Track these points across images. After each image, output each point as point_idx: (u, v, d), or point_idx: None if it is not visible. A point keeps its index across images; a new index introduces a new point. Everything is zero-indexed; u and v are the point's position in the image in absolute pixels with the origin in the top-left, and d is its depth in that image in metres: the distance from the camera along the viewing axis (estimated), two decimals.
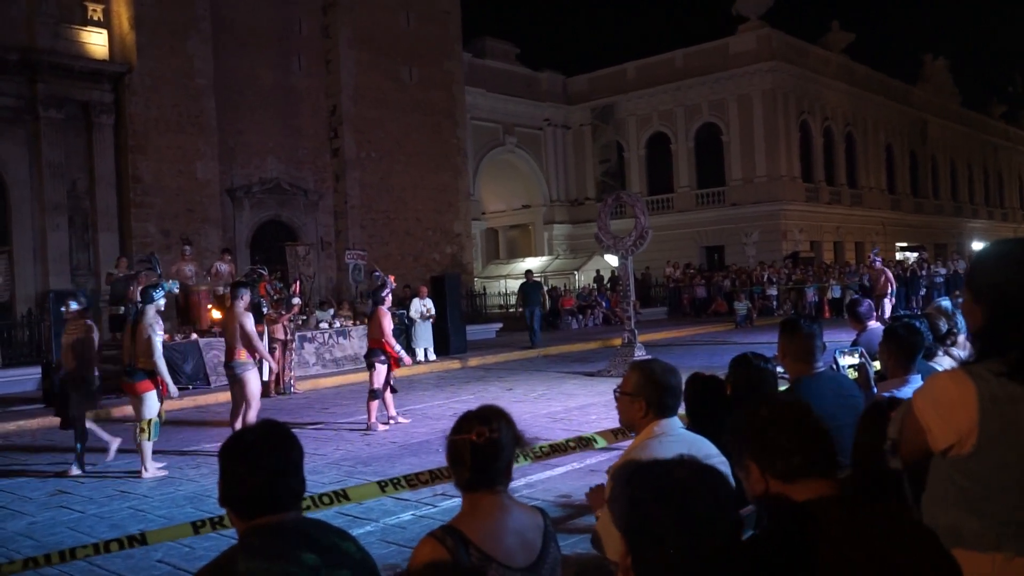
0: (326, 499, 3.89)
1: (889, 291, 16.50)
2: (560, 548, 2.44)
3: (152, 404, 8.37)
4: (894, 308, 18.56)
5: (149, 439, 8.30)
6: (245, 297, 9.43)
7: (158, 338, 8.38)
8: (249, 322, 9.22)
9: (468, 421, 2.33)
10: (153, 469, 8.30)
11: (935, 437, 2.05)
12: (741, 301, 26.80)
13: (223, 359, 10.08)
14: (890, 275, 17.04)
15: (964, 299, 2.16)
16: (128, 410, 12.95)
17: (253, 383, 9.12)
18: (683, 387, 3.19)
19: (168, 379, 8.41)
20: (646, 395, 3.11)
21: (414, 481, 3.97)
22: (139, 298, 9.15)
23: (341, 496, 3.91)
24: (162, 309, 8.83)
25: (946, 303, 4.85)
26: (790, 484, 1.84)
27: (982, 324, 2.09)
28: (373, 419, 10.41)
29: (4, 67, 20.64)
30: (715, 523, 1.60)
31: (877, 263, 17.48)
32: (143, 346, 8.33)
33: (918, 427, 2.09)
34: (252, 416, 8.98)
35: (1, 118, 20.95)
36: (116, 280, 16.94)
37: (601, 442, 4.98)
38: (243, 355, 9.12)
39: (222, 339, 15.10)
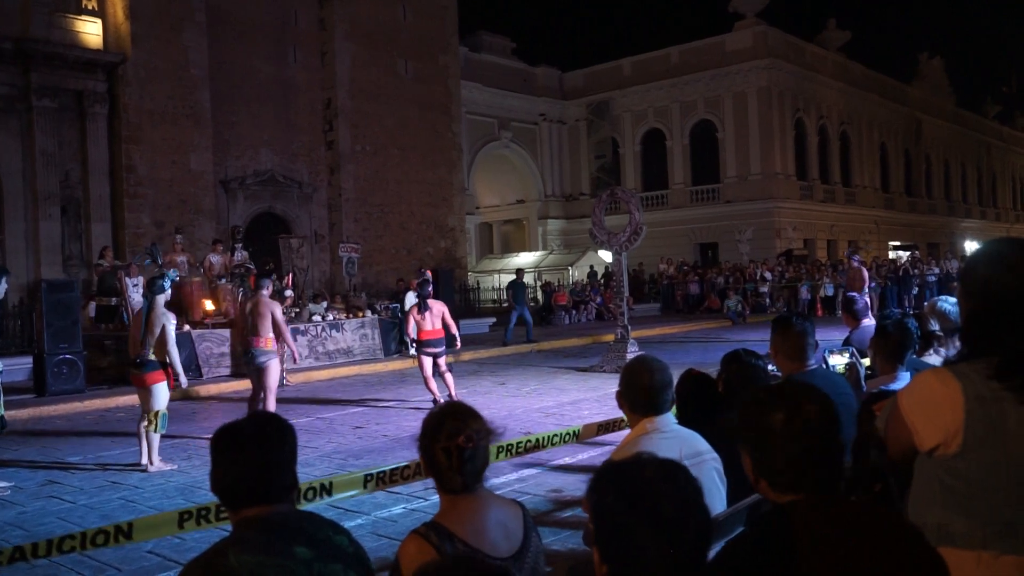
0: (310, 493, 3.87)
1: (864, 290, 16.65)
2: (542, 540, 2.45)
3: (162, 396, 8.21)
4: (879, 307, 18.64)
5: (156, 431, 8.11)
6: (269, 287, 9.94)
7: (172, 327, 8.27)
8: (279, 311, 9.60)
9: (445, 424, 2.30)
10: (159, 463, 8.15)
11: (921, 437, 2.05)
12: (731, 297, 26.85)
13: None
14: (865, 274, 17.25)
15: (957, 296, 2.17)
16: (120, 400, 12.99)
17: (272, 373, 9.42)
18: (671, 383, 3.20)
19: (180, 369, 8.30)
20: (624, 394, 3.19)
21: (396, 477, 3.96)
22: (145, 290, 9.03)
23: (325, 490, 3.89)
24: (168, 299, 8.72)
25: (943, 303, 4.81)
26: (777, 493, 1.83)
27: (963, 321, 2.09)
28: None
29: None
30: (684, 523, 1.57)
31: (855, 261, 17.64)
32: (158, 337, 8.17)
33: (904, 426, 2.08)
34: (270, 405, 9.23)
35: None
36: (105, 271, 16.88)
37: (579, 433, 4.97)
38: (269, 343, 9.41)
39: (215, 331, 15.24)
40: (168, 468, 8.13)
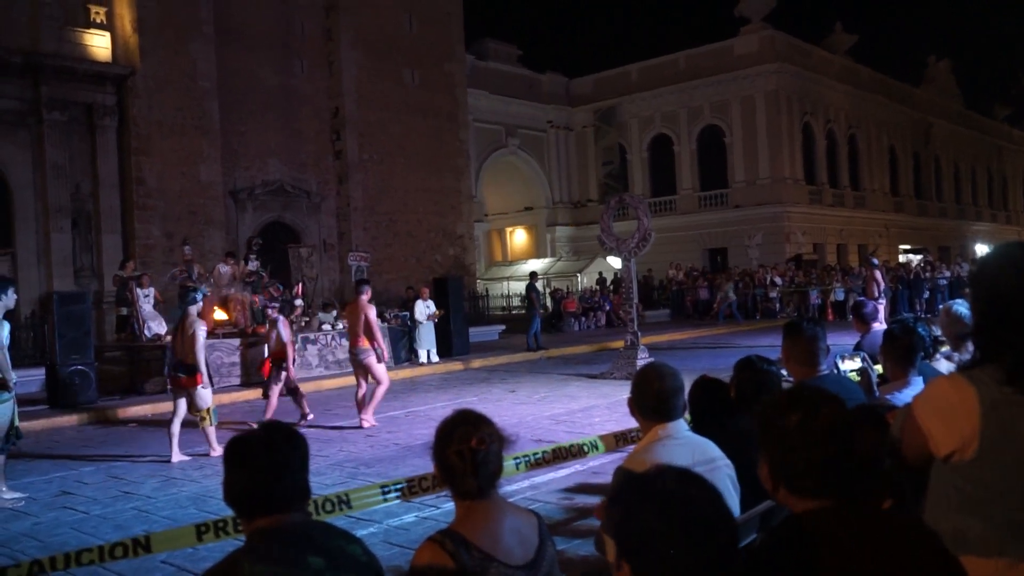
0: (328, 506, 3.88)
1: (876, 294, 16.84)
2: (556, 547, 2.45)
3: (206, 394, 9.14)
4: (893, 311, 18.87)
5: (211, 424, 9.17)
6: (368, 292, 10.97)
7: (201, 333, 9.11)
8: (373, 314, 10.72)
9: (457, 429, 2.31)
10: (220, 449, 8.89)
11: (937, 443, 2.03)
12: (725, 288, 27.19)
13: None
14: (878, 277, 17.55)
15: (968, 300, 2.18)
16: (131, 411, 13.05)
17: (376, 365, 10.65)
18: (683, 389, 3.20)
19: (204, 369, 9.14)
20: (636, 400, 3.19)
21: (416, 489, 3.97)
22: (179, 301, 10.20)
23: (344, 503, 3.91)
24: (200, 311, 9.54)
25: (958, 307, 4.79)
26: (798, 498, 1.82)
27: (974, 324, 2.10)
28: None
29: (8, 70, 20.68)
30: (715, 531, 1.57)
31: (874, 264, 17.95)
32: (189, 342, 9.02)
33: (919, 433, 2.07)
34: (382, 392, 10.72)
35: (5, 121, 20.99)
36: (122, 282, 16.97)
37: (601, 448, 4.97)
38: (366, 343, 10.61)
39: (225, 340, 15.31)
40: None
